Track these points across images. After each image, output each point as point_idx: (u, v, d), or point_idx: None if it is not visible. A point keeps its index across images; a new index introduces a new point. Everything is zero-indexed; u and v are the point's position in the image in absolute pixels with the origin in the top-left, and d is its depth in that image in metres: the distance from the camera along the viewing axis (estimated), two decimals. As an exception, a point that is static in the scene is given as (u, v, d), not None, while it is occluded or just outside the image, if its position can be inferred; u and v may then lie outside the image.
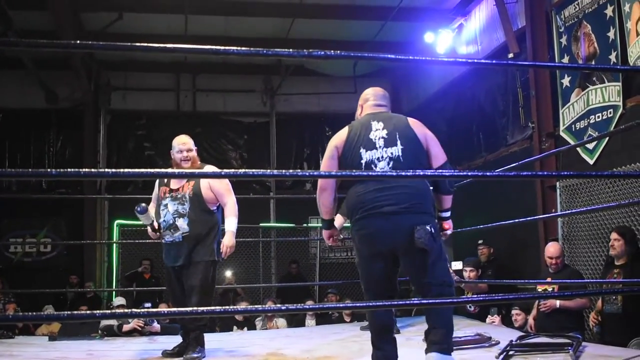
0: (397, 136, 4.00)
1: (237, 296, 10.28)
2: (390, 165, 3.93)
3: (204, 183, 5.20)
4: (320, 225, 4.55)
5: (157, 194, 5.36)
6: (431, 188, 4.13)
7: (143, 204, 5.14)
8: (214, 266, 5.26)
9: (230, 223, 5.21)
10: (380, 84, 14.48)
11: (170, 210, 5.16)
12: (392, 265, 4.02)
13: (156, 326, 6.89)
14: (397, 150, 3.96)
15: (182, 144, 5.32)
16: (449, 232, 4.30)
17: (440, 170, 4.08)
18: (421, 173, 3.94)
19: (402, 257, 3.97)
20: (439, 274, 3.93)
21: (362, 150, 4.00)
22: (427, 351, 3.89)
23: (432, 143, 4.09)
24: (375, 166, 3.96)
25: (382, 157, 3.96)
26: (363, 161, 3.98)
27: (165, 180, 5.26)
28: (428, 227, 3.81)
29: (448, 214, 4.27)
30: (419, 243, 3.77)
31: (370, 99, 4.36)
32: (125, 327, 6.95)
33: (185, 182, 5.19)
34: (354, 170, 3.99)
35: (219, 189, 5.23)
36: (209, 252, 5.18)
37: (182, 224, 5.12)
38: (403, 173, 3.78)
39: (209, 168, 5.33)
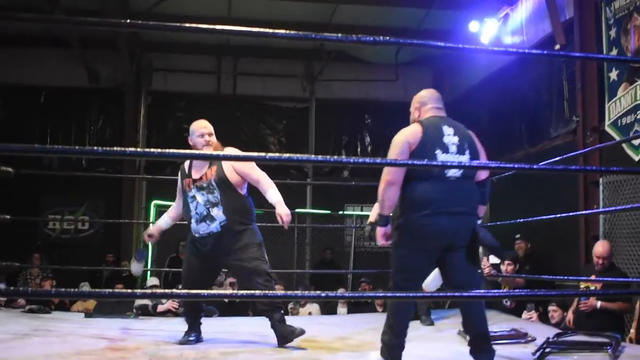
0: (466, 146, 4.19)
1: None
2: (460, 173, 4.12)
3: (226, 166, 4.96)
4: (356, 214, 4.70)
5: (181, 188, 5.15)
6: None
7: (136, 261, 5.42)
8: (263, 247, 5.11)
9: (274, 194, 4.95)
10: (422, 72, 14.54)
11: (200, 201, 4.94)
12: (435, 261, 4.27)
13: None
14: (465, 158, 4.16)
15: (204, 127, 5.07)
16: None
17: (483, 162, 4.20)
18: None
19: (453, 254, 4.18)
20: (477, 272, 4.33)
21: (438, 152, 4.11)
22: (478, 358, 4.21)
23: (484, 157, 4.37)
24: (448, 170, 4.13)
25: (454, 163, 4.15)
26: (439, 162, 4.13)
27: (187, 171, 5.06)
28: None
29: (479, 221, 4.50)
30: (487, 240, 4.21)
31: (428, 102, 4.40)
32: (160, 308, 7.00)
33: (207, 169, 4.97)
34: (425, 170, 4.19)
35: (244, 169, 4.99)
36: (254, 234, 5.03)
37: (218, 212, 4.90)
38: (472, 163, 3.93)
39: (231, 151, 4.94)
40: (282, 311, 4.98)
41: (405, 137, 4.16)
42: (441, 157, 4.10)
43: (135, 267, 5.42)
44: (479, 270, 4.33)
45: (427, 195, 4.08)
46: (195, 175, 5.01)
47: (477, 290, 4.25)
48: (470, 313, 4.21)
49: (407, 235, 4.16)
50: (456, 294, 3.75)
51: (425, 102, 4.38)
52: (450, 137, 4.16)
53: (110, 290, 2.31)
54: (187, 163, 5.15)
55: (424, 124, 4.21)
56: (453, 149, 4.13)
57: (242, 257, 4.92)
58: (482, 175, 4.33)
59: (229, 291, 6.09)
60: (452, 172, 4.09)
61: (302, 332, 4.87)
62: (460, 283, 4.19)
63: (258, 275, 4.89)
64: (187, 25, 2.58)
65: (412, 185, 4.12)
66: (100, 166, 13.23)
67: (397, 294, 4.05)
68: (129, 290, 2.31)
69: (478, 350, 4.19)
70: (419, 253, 4.14)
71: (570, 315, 6.47)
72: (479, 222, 4.46)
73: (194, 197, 4.98)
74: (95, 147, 2.26)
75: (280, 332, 4.86)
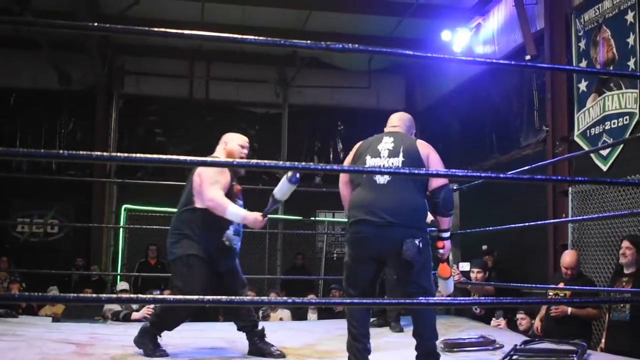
0: (401, 149, 4.22)
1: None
2: (390, 176, 4.14)
3: None
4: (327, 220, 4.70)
5: (232, 193, 4.76)
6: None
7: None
8: None
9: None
10: (394, 80, 14.64)
11: None
12: (377, 269, 4.29)
13: None
14: (397, 161, 4.19)
15: (246, 141, 5.02)
16: (442, 251, 4.46)
17: (447, 170, 4.19)
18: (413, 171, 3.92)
19: (389, 264, 4.23)
20: (422, 283, 4.16)
21: (368, 157, 4.27)
22: None
23: (435, 164, 4.26)
24: (377, 175, 4.19)
25: (384, 166, 4.19)
26: (366, 166, 4.23)
27: (235, 177, 4.84)
28: (416, 241, 4.05)
29: (446, 234, 4.44)
30: (406, 256, 4.02)
31: (390, 122, 4.59)
32: (135, 315, 6.80)
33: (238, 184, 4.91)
34: (355, 178, 4.31)
35: None
36: None
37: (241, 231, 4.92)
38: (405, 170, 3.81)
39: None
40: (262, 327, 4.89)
41: (350, 153, 4.48)
42: (370, 161, 4.24)
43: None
44: (423, 280, 4.17)
45: (353, 203, 4.25)
46: (239, 185, 4.92)
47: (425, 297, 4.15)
48: (418, 321, 4.20)
49: (347, 243, 4.36)
50: (422, 300, 3.75)
51: (387, 124, 4.58)
52: (386, 144, 4.27)
53: (75, 294, 2.29)
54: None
55: (366, 139, 4.45)
56: (384, 153, 4.23)
57: (236, 270, 4.96)
58: (435, 182, 4.21)
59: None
60: (382, 178, 4.14)
61: (282, 356, 4.75)
62: (402, 293, 4.25)
63: (244, 287, 4.96)
64: (156, 29, 2.56)
65: (351, 194, 4.33)
66: (71, 169, 13.12)
67: (364, 301, 4.07)
68: (94, 295, 2.29)
69: (423, 358, 4.19)
70: (354, 261, 4.26)
71: (537, 323, 6.53)
72: (444, 234, 4.39)
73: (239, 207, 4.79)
74: (62, 151, 2.24)
75: (259, 349, 4.80)
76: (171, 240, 4.81)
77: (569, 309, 6.14)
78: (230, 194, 4.70)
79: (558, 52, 8.48)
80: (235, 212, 4.58)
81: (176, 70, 13.66)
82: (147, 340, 4.70)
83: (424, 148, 4.28)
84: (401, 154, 4.18)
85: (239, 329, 4.90)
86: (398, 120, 4.56)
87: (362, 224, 4.13)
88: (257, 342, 4.80)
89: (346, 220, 4.45)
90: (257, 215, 4.58)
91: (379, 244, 4.10)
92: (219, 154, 4.96)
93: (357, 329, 4.18)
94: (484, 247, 8.53)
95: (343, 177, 4.47)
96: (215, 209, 4.58)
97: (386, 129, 4.52)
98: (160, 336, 4.75)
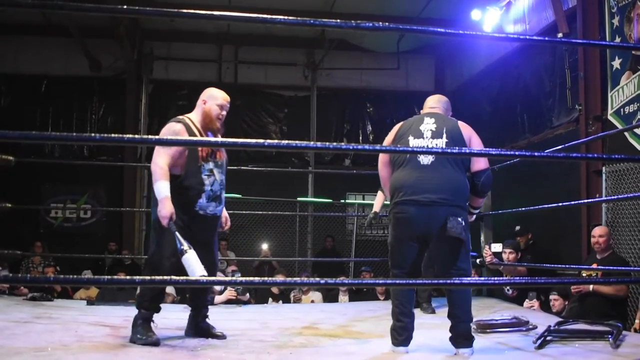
0: (444, 131, 4.26)
1: (273, 269, 10.31)
2: (434, 157, 4.18)
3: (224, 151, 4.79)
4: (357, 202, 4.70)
5: (195, 156, 4.55)
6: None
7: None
8: None
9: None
10: (424, 61, 14.49)
11: (217, 179, 4.61)
12: (421, 249, 4.32)
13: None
14: (441, 142, 4.23)
15: (226, 101, 4.82)
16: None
17: (483, 149, 4.17)
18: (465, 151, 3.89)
19: (433, 244, 4.25)
20: (461, 265, 4.23)
21: (410, 138, 4.30)
22: (456, 345, 4.19)
23: (477, 146, 4.32)
24: (421, 156, 4.22)
25: (427, 146, 4.23)
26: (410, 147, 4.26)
27: (201, 138, 4.57)
28: (460, 219, 4.11)
29: (475, 211, 4.59)
30: (452, 232, 4.07)
31: (427, 103, 4.64)
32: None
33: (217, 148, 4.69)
34: (398, 158, 4.31)
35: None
36: None
37: (223, 196, 4.69)
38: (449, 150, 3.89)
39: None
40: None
41: (391, 132, 4.50)
42: (413, 142, 4.27)
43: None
44: (464, 262, 4.24)
45: (397, 183, 4.27)
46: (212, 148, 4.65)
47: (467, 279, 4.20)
48: (454, 302, 4.20)
49: (391, 224, 4.37)
50: (456, 281, 3.72)
51: (426, 105, 4.64)
52: (428, 125, 4.31)
53: (109, 277, 2.31)
54: (195, 129, 4.65)
55: (406, 120, 4.49)
56: (427, 134, 4.27)
57: (211, 246, 4.72)
58: (477, 165, 4.30)
59: (227, 278, 5.98)
60: (426, 158, 4.19)
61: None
62: (443, 273, 4.24)
63: (215, 268, 4.75)
64: (185, 11, 2.56)
65: (393, 174, 4.36)
66: (102, 155, 13.26)
67: (395, 281, 4.04)
68: (128, 277, 2.31)
69: (457, 339, 4.20)
70: (399, 241, 4.29)
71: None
72: (475, 211, 4.55)
73: (211, 172, 4.60)
74: (94, 134, 2.25)
75: (201, 328, 4.71)
76: (152, 204, 4.65)
77: (591, 287, 6.02)
78: (193, 157, 4.54)
79: (591, 29, 8.32)
80: (160, 190, 4.39)
81: (204, 54, 13.71)
82: (139, 324, 4.44)
83: (466, 130, 4.34)
84: (444, 135, 4.23)
85: (190, 305, 4.80)
86: (436, 102, 4.60)
87: (406, 204, 4.18)
88: (200, 322, 4.74)
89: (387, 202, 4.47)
90: (168, 212, 4.32)
91: (423, 224, 4.15)
92: (195, 115, 4.78)
93: (398, 308, 4.23)
94: (517, 227, 8.44)
95: (383, 158, 4.49)
96: (152, 174, 4.48)
97: (424, 111, 4.57)
98: (153, 321, 4.50)
